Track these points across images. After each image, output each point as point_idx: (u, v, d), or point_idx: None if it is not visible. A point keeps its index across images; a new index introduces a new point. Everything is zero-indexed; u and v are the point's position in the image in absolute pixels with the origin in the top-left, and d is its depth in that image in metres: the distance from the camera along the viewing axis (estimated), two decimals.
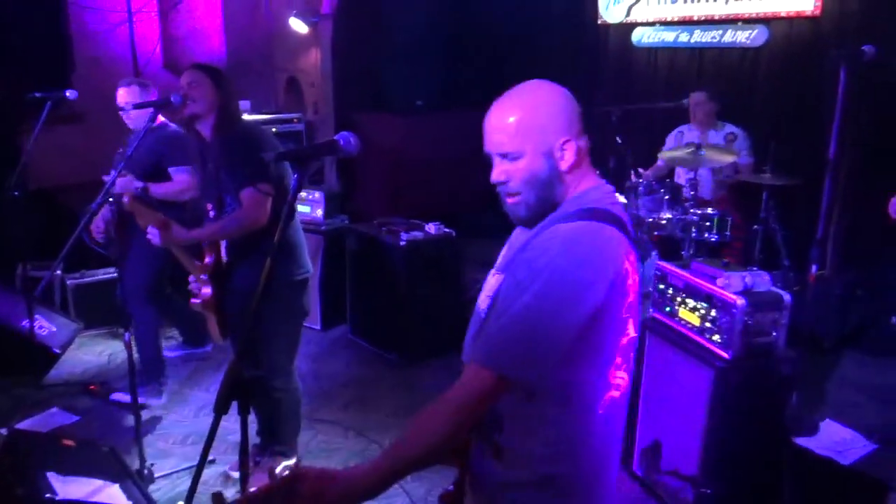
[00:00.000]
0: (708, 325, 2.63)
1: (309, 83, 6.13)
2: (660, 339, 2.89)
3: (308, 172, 1.46)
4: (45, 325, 3.94)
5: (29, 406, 3.57)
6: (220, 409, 1.25)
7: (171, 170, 3.49)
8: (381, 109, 5.94)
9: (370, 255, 4.40)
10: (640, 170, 4.39)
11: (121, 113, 3.49)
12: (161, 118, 3.48)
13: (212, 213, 2.78)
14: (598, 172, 1.53)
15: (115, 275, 3.83)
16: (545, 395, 1.39)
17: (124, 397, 3.50)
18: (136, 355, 3.47)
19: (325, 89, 5.94)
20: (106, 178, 3.38)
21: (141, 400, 3.44)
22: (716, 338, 2.59)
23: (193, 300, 2.81)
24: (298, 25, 5.77)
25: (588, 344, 1.35)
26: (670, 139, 4.71)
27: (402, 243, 4.16)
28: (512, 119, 1.40)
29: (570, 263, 1.31)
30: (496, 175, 1.43)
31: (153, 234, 2.69)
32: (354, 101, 5.92)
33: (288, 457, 3.09)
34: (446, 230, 4.35)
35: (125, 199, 2.82)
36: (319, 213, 4.68)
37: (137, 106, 3.16)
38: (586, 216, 1.39)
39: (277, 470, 3.03)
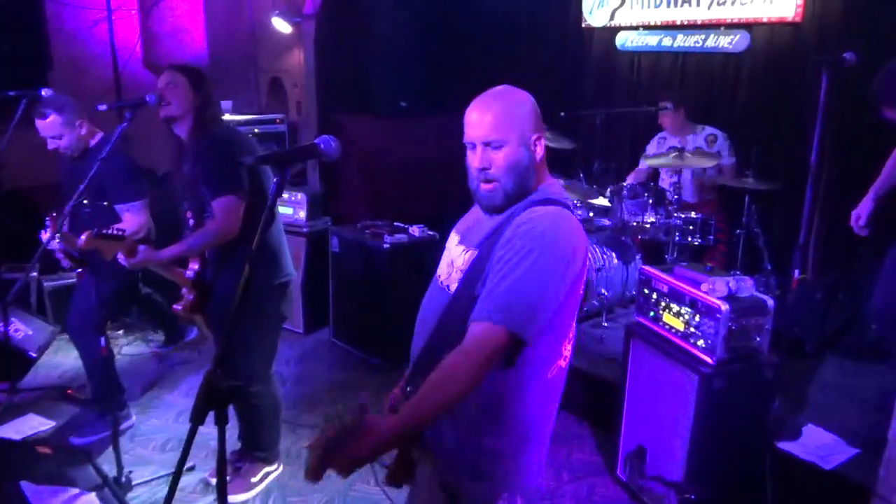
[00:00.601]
0: (692, 330, 2.63)
1: (292, 84, 6.08)
2: (644, 344, 2.89)
3: (288, 176, 1.44)
4: (21, 329, 3.85)
5: (4, 412, 3.49)
6: (197, 420, 1.22)
7: (118, 207, 3.14)
8: (365, 111, 5.90)
9: (353, 258, 4.36)
10: (623, 184, 4.38)
11: (50, 145, 3.16)
12: (98, 135, 3.24)
13: (191, 222, 2.73)
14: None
15: None
16: (514, 357, 1.53)
17: (80, 441, 3.30)
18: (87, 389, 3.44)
19: (308, 90, 5.88)
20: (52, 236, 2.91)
21: (83, 436, 3.29)
22: (700, 343, 2.60)
23: (175, 306, 2.76)
24: (281, 25, 5.71)
25: (558, 312, 1.54)
26: (652, 144, 4.72)
27: (386, 246, 4.13)
28: (498, 111, 1.57)
29: (560, 238, 1.51)
30: (481, 161, 1.58)
31: (122, 260, 2.55)
32: (338, 101, 5.87)
33: (269, 462, 3.05)
34: (430, 233, 4.33)
35: (80, 242, 2.53)
36: (302, 215, 4.64)
37: (112, 107, 3.08)
38: (553, 204, 1.59)
39: (258, 476, 2.99)
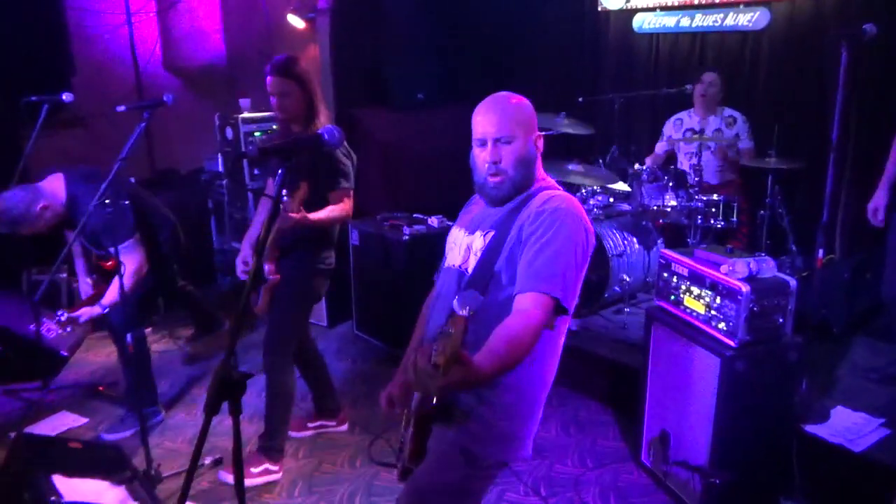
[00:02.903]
0: (713, 312, 2.60)
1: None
2: (665, 329, 2.86)
3: (293, 167, 1.46)
4: (53, 328, 3.94)
5: (38, 409, 3.59)
6: (210, 411, 1.25)
7: (113, 251, 2.95)
8: (382, 104, 5.90)
9: (373, 251, 4.39)
10: (642, 168, 4.32)
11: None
12: (61, 200, 3.11)
13: (285, 199, 2.73)
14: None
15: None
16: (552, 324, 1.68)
17: (111, 436, 3.37)
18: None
19: (324, 85, 5.89)
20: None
21: (114, 431, 3.38)
22: (721, 326, 2.56)
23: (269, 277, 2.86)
24: (296, 21, 5.73)
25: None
26: (668, 127, 4.66)
27: (405, 238, 4.15)
28: (507, 110, 1.75)
29: (580, 215, 1.71)
30: (492, 155, 1.73)
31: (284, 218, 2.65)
32: (355, 95, 5.88)
33: (271, 458, 2.99)
34: (449, 223, 4.33)
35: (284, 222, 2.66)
36: None
37: (131, 109, 3.13)
38: (561, 191, 1.79)
39: (259, 469, 2.95)
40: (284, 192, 2.60)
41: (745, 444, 2.59)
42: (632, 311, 4.12)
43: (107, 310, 3.19)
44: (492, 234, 1.75)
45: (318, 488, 2.99)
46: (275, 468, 3.01)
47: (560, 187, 1.83)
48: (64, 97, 3.29)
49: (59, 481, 2.26)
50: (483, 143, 1.75)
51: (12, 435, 2.88)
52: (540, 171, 1.83)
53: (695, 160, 4.19)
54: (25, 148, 3.39)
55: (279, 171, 1.48)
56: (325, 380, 3.40)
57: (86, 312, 3.18)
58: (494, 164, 1.73)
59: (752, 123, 4.37)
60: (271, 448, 3.00)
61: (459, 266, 1.81)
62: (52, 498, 2.17)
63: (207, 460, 3.07)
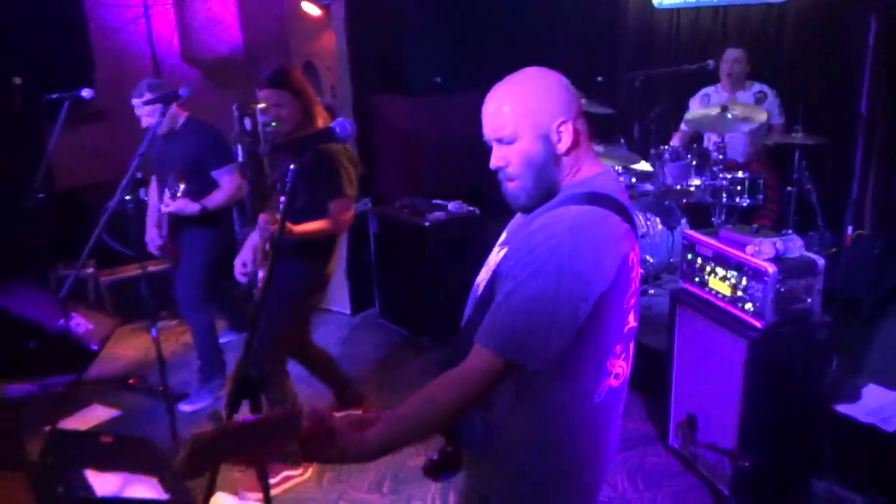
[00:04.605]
0: (739, 294, 2.56)
1: (325, 67, 6.08)
2: (690, 311, 2.82)
3: (303, 167, 1.45)
4: (82, 323, 4.02)
5: (70, 403, 3.67)
6: (231, 409, 1.25)
7: (214, 174, 3.40)
8: (399, 90, 5.88)
9: (394, 238, 4.39)
10: (664, 147, 4.25)
11: (143, 123, 3.38)
12: (184, 116, 3.42)
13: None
14: (599, 153, 1.53)
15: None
16: (544, 380, 1.38)
17: (189, 407, 3.59)
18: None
19: (341, 72, 5.87)
20: (150, 193, 3.51)
21: (192, 402, 3.61)
22: (748, 307, 2.52)
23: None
24: (310, 8, 5.70)
25: (589, 332, 1.34)
26: (694, 103, 4.56)
27: (426, 224, 4.14)
28: (506, 104, 1.40)
29: (578, 250, 1.30)
30: (495, 161, 1.43)
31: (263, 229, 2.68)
32: (371, 82, 5.86)
33: (290, 465, 2.95)
34: (469, 208, 4.31)
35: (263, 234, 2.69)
36: None
37: (148, 102, 3.17)
38: (591, 201, 1.37)
39: (279, 478, 2.95)
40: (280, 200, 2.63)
41: (774, 426, 2.56)
42: (656, 292, 4.07)
43: (203, 209, 3.35)
44: (505, 250, 1.45)
45: (346, 476, 3.02)
46: (296, 472, 2.99)
47: (603, 189, 1.41)
48: (83, 93, 3.30)
49: (92, 475, 2.31)
50: (491, 144, 1.45)
51: (47, 429, 2.95)
52: (573, 168, 1.44)
53: (719, 138, 4.10)
54: (48, 145, 3.43)
55: (290, 170, 1.46)
56: (337, 375, 3.36)
57: (183, 204, 3.31)
58: (501, 169, 1.44)
59: (781, 99, 4.26)
60: (284, 459, 2.98)
61: (477, 282, 1.53)
62: (86, 492, 2.22)
63: None
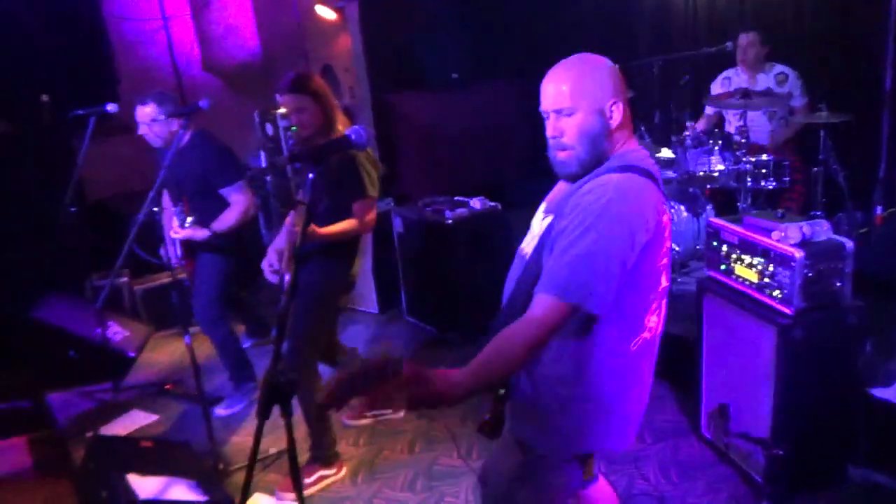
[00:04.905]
0: (767, 280, 2.53)
1: (343, 69, 6.13)
2: (717, 299, 2.80)
3: (322, 173, 1.47)
4: (119, 331, 4.12)
5: (110, 410, 3.77)
6: (263, 415, 1.29)
7: (223, 191, 3.38)
8: (417, 87, 5.90)
9: (418, 237, 4.41)
10: (690, 123, 4.21)
11: (140, 132, 3.38)
12: (189, 133, 3.39)
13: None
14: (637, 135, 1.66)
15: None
16: (589, 327, 1.55)
17: (224, 411, 3.67)
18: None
19: (358, 72, 5.92)
20: (166, 210, 3.49)
21: (227, 406, 3.68)
22: (776, 293, 2.49)
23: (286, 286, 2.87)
24: (325, 12, 5.75)
25: (631, 283, 1.53)
26: (716, 86, 4.50)
27: (449, 222, 4.15)
28: (568, 79, 1.59)
29: (625, 207, 1.50)
30: (553, 130, 1.61)
31: (290, 233, 2.79)
32: (389, 80, 5.88)
33: (324, 464, 3.00)
34: (491, 204, 4.31)
35: (290, 238, 2.82)
36: None
37: (171, 115, 3.22)
38: (631, 171, 1.57)
39: (312, 478, 2.95)
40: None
41: (807, 413, 2.53)
42: (683, 280, 4.04)
43: (212, 233, 3.37)
44: (550, 218, 1.63)
45: (380, 474, 3.06)
46: (330, 472, 3.02)
47: (638, 164, 1.60)
48: (108, 108, 3.38)
49: (133, 479, 2.38)
50: (546, 115, 1.63)
51: (89, 435, 3.04)
52: (620, 143, 1.64)
53: (741, 121, 4.04)
54: (78, 159, 3.53)
55: (309, 177, 1.49)
56: None
57: (191, 232, 3.34)
58: (556, 139, 1.61)
59: (803, 79, 4.18)
60: (319, 457, 3.01)
61: (523, 250, 1.71)
62: (129, 496, 2.29)
63: (273, 450, 3.17)
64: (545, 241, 1.59)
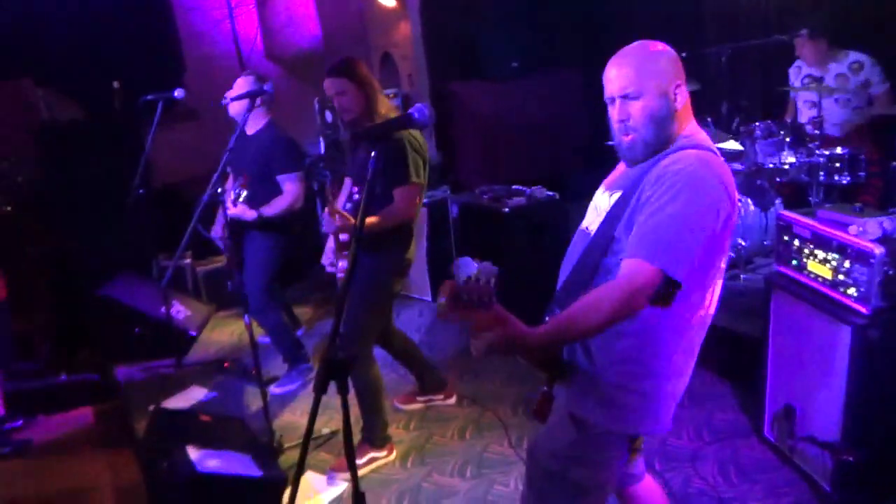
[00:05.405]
0: (841, 277, 2.40)
1: (402, 56, 6.15)
2: (787, 296, 2.68)
3: (385, 150, 1.46)
4: (182, 310, 4.26)
5: (172, 385, 3.90)
6: (320, 390, 1.30)
7: (279, 178, 3.49)
8: (476, 75, 5.86)
9: (474, 225, 4.39)
10: (755, 124, 4.02)
11: (223, 102, 3.48)
12: (268, 116, 3.52)
13: (356, 197, 2.86)
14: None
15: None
16: (665, 300, 1.55)
17: (280, 390, 3.74)
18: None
19: (417, 60, 5.93)
20: (228, 190, 3.51)
21: (282, 385, 3.75)
22: (851, 291, 2.37)
23: (339, 274, 2.89)
24: (386, 0, 5.78)
25: (708, 252, 1.55)
26: (792, 73, 4.30)
27: (506, 210, 4.12)
28: (632, 63, 1.63)
29: (709, 178, 1.55)
30: (619, 113, 1.63)
31: (327, 222, 2.74)
32: (448, 69, 5.87)
33: (375, 446, 3.01)
34: (549, 193, 4.25)
35: (328, 228, 2.78)
36: None
37: (236, 98, 3.29)
38: (701, 149, 1.61)
39: (363, 459, 2.97)
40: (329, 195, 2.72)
41: (882, 418, 2.39)
42: (748, 276, 3.90)
43: (260, 216, 3.45)
44: (619, 194, 1.66)
45: (430, 459, 3.06)
46: (381, 454, 3.03)
47: (706, 144, 1.65)
48: (176, 94, 3.48)
49: (192, 451, 2.45)
50: (612, 101, 1.66)
51: (151, 408, 3.14)
52: (684, 126, 1.67)
53: (814, 111, 3.86)
54: (146, 143, 3.64)
55: (371, 156, 1.48)
56: (419, 360, 3.42)
57: (241, 210, 3.38)
58: (623, 123, 1.64)
59: (882, 65, 3.95)
60: (371, 438, 3.02)
61: (586, 226, 1.74)
62: (188, 467, 2.35)
63: (325, 430, 3.22)
64: (617, 214, 1.62)
